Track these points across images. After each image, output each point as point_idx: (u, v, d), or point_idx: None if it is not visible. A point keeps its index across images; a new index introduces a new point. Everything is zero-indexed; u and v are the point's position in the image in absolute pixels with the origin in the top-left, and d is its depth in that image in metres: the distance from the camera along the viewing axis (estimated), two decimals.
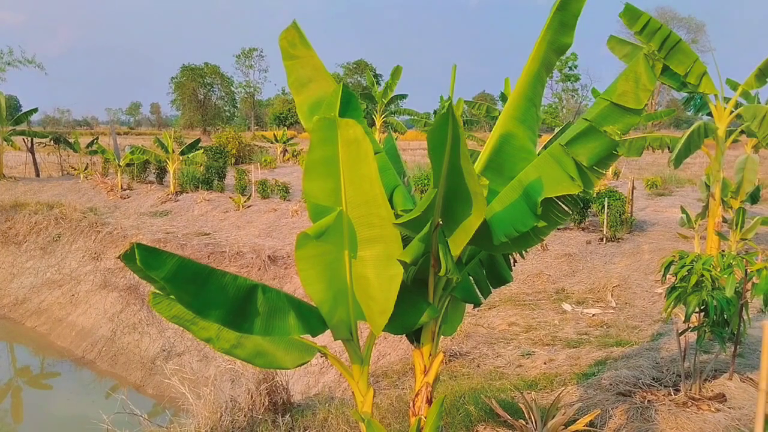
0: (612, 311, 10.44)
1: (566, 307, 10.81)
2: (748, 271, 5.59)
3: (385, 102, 33.15)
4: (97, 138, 35.27)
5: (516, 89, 3.49)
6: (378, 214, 2.86)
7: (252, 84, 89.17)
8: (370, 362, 3.24)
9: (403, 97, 35.24)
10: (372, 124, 34.08)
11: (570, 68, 59.42)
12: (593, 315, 10.27)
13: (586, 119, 2.91)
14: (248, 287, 2.59)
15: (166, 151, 25.10)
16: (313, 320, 2.84)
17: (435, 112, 32.72)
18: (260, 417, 6.41)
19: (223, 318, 2.46)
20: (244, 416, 6.32)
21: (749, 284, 5.69)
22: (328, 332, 3.11)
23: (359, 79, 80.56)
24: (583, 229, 15.51)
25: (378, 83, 47.09)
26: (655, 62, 2.55)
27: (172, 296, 2.37)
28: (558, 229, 16.49)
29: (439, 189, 2.87)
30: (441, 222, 3.08)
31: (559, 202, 3.11)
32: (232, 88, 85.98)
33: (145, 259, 2.26)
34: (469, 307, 10.98)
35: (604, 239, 14.19)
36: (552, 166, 3.01)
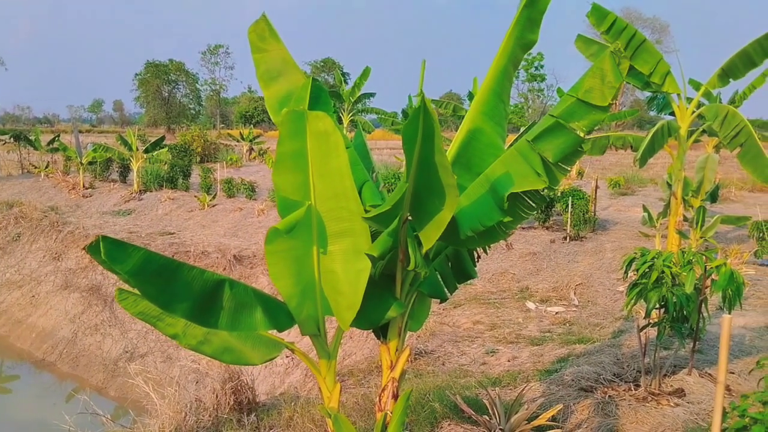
0: (575, 309, 10.63)
1: (530, 305, 10.97)
2: (708, 267, 5.75)
3: (353, 100, 33.13)
4: (59, 135, 34.39)
5: (484, 85, 3.51)
6: (347, 207, 2.85)
7: (218, 81, 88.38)
8: (337, 357, 3.22)
9: (370, 95, 35.26)
10: (339, 122, 33.88)
11: (536, 68, 60.32)
12: (556, 313, 10.44)
13: (552, 115, 2.94)
14: (215, 282, 2.55)
15: (130, 149, 24.71)
16: (280, 315, 2.80)
17: (403, 112, 32.84)
18: (225, 416, 6.33)
19: (189, 312, 2.41)
20: (209, 416, 6.23)
21: (708, 281, 5.85)
22: (295, 329, 3.08)
23: (326, 77, 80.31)
24: (547, 228, 15.76)
25: (346, 82, 46.93)
26: (622, 60, 2.59)
27: (136, 290, 2.31)
28: (522, 228, 16.75)
29: (409, 183, 2.87)
30: (410, 217, 3.07)
31: (525, 197, 3.13)
32: (198, 86, 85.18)
33: (110, 251, 2.20)
34: (435, 305, 11.03)
35: (568, 238, 14.44)
36: (518, 162, 3.04)
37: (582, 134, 2.89)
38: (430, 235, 2.99)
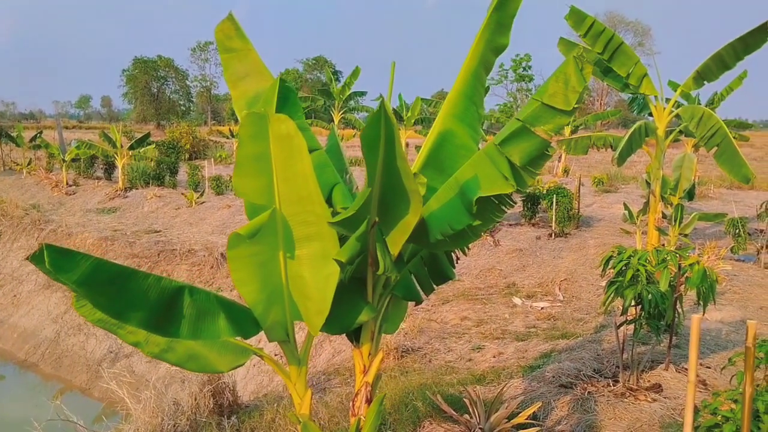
0: (559, 304, 10.69)
1: (516, 301, 11.02)
2: (682, 265, 5.81)
3: (343, 99, 33.29)
4: (41, 132, 33.96)
5: (454, 88, 3.50)
6: (313, 211, 2.83)
7: (208, 78, 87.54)
8: (308, 363, 3.20)
9: (361, 94, 35.41)
10: (330, 120, 34.22)
11: (524, 69, 60.81)
12: (542, 308, 10.50)
13: (518, 119, 2.94)
14: (174, 289, 2.51)
15: (114, 146, 24.41)
16: (245, 322, 2.78)
17: (393, 110, 32.90)
18: (204, 420, 6.29)
19: (145, 322, 2.37)
20: (187, 419, 6.18)
21: (683, 278, 5.90)
22: None
23: (318, 75, 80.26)
24: (533, 225, 15.84)
25: (337, 79, 46.96)
26: (585, 65, 2.58)
27: (86, 300, 2.28)
28: (509, 224, 16.82)
29: (374, 188, 2.85)
30: (378, 220, 3.07)
31: (494, 201, 3.14)
32: (187, 82, 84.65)
33: (55, 261, 2.16)
34: (424, 302, 11.09)
35: (553, 235, 14.51)
36: (487, 165, 3.04)
37: (548, 138, 2.89)
38: (397, 239, 2.99)
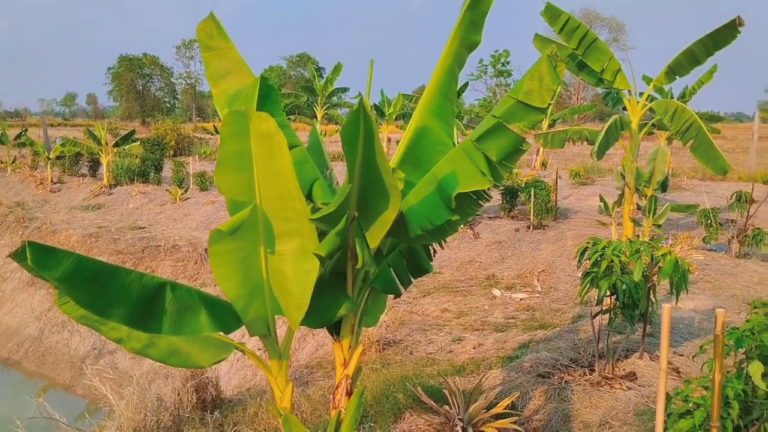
0: (538, 295, 10.86)
1: (496, 292, 11.16)
2: (654, 256, 5.96)
3: (326, 95, 33.54)
4: (26, 130, 33.63)
5: (430, 84, 3.57)
6: (294, 208, 2.87)
7: (193, 75, 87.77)
8: (289, 357, 3.25)
9: (344, 90, 35.79)
10: (314, 116, 34.49)
11: (503, 64, 61.63)
12: (521, 299, 10.66)
13: (494, 116, 3.02)
14: (155, 285, 2.54)
15: (99, 143, 24.44)
16: (226, 317, 2.82)
17: (375, 106, 33.25)
18: (187, 415, 6.30)
19: (127, 318, 2.40)
20: (170, 415, 6.19)
21: (656, 268, 6.06)
22: None
23: (302, 71, 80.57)
24: (512, 218, 16.01)
25: (321, 76, 47.10)
26: (559, 63, 2.65)
27: (68, 297, 2.30)
28: (489, 217, 16.97)
29: (354, 183, 2.91)
30: (357, 215, 3.12)
31: (472, 196, 3.21)
32: (173, 80, 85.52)
33: (37, 258, 2.17)
34: (405, 295, 11.07)
35: (531, 227, 14.70)
36: (464, 161, 3.10)
37: (523, 134, 2.97)
38: (376, 234, 3.05)
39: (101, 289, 2.35)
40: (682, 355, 6.71)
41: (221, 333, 2.85)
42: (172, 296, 2.57)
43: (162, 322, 2.52)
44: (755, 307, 4.55)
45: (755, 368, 3.88)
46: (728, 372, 4.28)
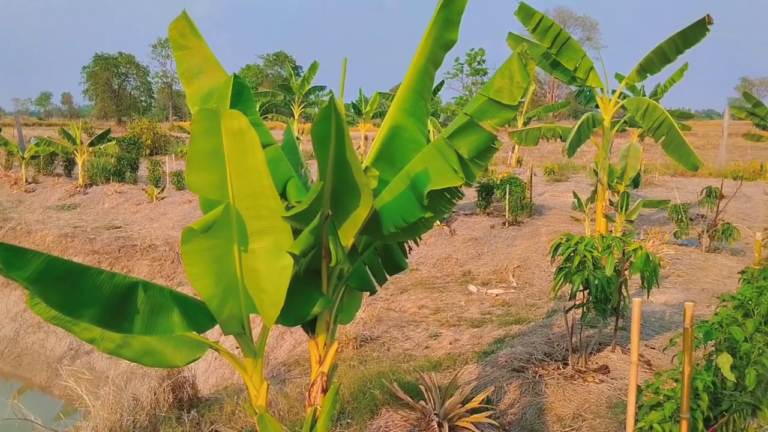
0: (513, 291, 10.99)
1: (472, 288, 11.27)
2: (626, 251, 6.08)
3: (303, 93, 33.62)
4: (0, 129, 33.03)
5: (404, 83, 3.59)
6: (267, 205, 2.87)
7: (169, 74, 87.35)
8: (263, 355, 3.25)
9: (321, 88, 35.94)
10: (291, 115, 34.57)
11: (478, 63, 62.49)
12: (496, 295, 10.78)
13: (466, 114, 3.05)
14: (127, 285, 2.52)
15: (74, 143, 24.28)
16: (199, 316, 2.80)
17: (353, 104, 33.42)
18: (164, 414, 6.26)
19: (98, 318, 2.37)
20: (146, 415, 6.14)
21: (627, 263, 6.18)
22: None
23: (279, 70, 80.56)
24: (488, 214, 16.16)
25: (298, 74, 47.12)
26: (529, 61, 2.68)
27: (38, 297, 2.27)
28: (465, 214, 17.09)
29: (326, 181, 2.91)
30: (330, 213, 3.13)
31: (445, 193, 3.24)
32: (149, 78, 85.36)
33: (6, 258, 2.14)
34: (382, 291, 11.08)
35: (507, 223, 14.86)
36: (437, 159, 3.13)
37: (494, 132, 3.01)
38: (349, 231, 3.06)
39: (71, 290, 2.33)
40: (654, 348, 6.86)
41: (195, 332, 2.84)
42: (144, 296, 2.55)
43: (133, 322, 2.50)
44: (724, 300, 4.67)
45: (724, 360, 3.98)
46: (698, 364, 4.39)
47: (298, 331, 10.57)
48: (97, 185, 23.89)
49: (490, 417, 5.36)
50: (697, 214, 15.06)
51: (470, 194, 16.44)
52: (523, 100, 3.16)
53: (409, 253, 4.34)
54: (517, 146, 29.06)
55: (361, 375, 6.81)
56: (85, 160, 24.36)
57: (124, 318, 2.49)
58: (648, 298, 6.78)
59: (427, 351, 8.30)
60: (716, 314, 4.35)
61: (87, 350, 13.67)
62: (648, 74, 9.40)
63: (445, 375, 6.80)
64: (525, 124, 29.48)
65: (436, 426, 5.25)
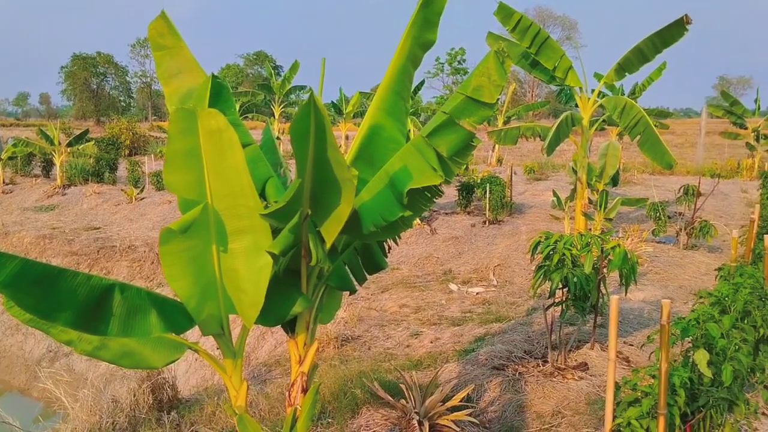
0: (493, 289, 11.06)
1: (453, 287, 11.31)
2: (604, 248, 6.15)
3: (284, 93, 33.53)
4: None
5: (383, 83, 3.59)
6: (246, 204, 2.85)
7: (148, 74, 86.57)
8: (243, 356, 3.24)
9: (302, 88, 35.88)
10: (271, 114, 34.48)
11: (459, 62, 62.97)
12: (477, 293, 10.83)
13: (444, 112, 3.06)
14: (103, 287, 2.49)
15: (52, 143, 24.10)
16: (177, 317, 2.78)
17: (333, 103, 33.41)
18: (144, 416, 6.20)
19: (73, 321, 2.34)
20: (126, 416, 6.08)
21: (606, 261, 6.26)
22: None
23: (260, 69, 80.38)
24: (468, 213, 16.25)
25: (278, 74, 46.95)
26: (506, 59, 2.71)
27: (12, 301, 2.24)
28: (446, 213, 17.16)
29: (305, 179, 2.91)
30: (311, 212, 3.12)
31: (424, 192, 3.25)
32: (127, 78, 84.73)
33: None
34: (363, 291, 11.09)
35: (487, 222, 14.95)
36: (416, 157, 3.14)
37: (473, 130, 3.02)
38: (331, 230, 3.06)
39: (47, 293, 2.29)
40: (632, 345, 6.95)
41: (173, 333, 2.81)
42: (120, 298, 2.52)
43: (110, 325, 2.47)
44: (701, 297, 4.75)
45: (701, 356, 4.05)
46: (675, 361, 4.46)
47: (279, 331, 10.50)
48: (76, 186, 23.77)
49: (470, 415, 5.39)
50: (675, 212, 15.29)
51: (451, 193, 16.50)
52: (502, 98, 3.17)
53: (389, 252, 4.34)
54: (497, 145, 29.26)
55: (342, 374, 6.80)
56: (64, 161, 24.25)
57: (101, 320, 2.46)
58: (626, 295, 6.87)
59: (408, 350, 8.32)
60: (693, 311, 4.42)
61: (66, 352, 13.55)
62: (626, 73, 9.53)
63: (425, 374, 6.83)
64: (505, 123, 29.68)
65: (416, 424, 5.27)
